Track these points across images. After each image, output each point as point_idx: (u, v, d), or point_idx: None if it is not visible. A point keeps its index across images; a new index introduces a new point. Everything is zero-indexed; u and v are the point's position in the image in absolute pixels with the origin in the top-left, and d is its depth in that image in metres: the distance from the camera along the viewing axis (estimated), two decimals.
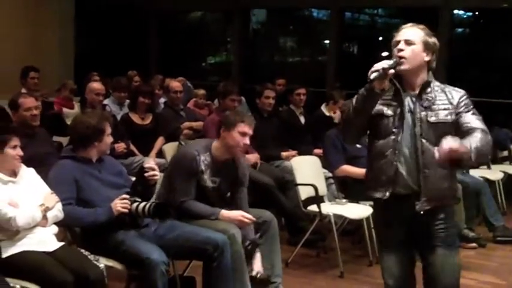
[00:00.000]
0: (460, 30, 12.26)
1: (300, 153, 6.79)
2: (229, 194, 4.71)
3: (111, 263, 3.98)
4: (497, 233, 6.61)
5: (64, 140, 5.80)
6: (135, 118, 6.86)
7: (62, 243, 3.97)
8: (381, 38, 12.88)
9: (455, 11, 11.19)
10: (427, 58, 3.38)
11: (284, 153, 6.93)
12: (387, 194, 3.41)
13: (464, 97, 3.39)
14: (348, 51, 12.77)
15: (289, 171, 6.19)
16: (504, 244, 6.51)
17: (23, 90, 7.17)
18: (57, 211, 3.92)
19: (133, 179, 4.36)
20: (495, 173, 7.68)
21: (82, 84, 7.37)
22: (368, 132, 3.52)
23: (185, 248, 4.18)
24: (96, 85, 6.85)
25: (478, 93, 9.37)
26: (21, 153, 3.92)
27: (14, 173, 3.93)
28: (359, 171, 5.52)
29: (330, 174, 6.13)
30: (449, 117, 3.35)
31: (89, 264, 3.75)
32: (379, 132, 3.43)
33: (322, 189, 5.90)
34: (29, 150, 4.32)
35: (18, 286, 3.62)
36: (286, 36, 13.77)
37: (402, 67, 3.32)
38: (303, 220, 6.13)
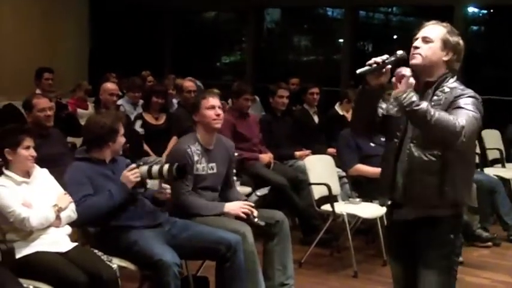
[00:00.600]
0: (475, 28, 12.17)
1: (314, 153, 6.76)
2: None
3: (124, 263, 3.99)
4: None
5: (78, 141, 5.83)
6: (149, 118, 6.87)
7: (75, 244, 3.97)
8: (395, 37, 12.84)
9: (470, 9, 11.11)
10: (445, 58, 3.14)
11: (298, 153, 6.92)
12: (388, 202, 3.29)
13: (464, 97, 3.05)
14: (362, 50, 12.68)
15: (302, 171, 6.17)
16: None
17: (38, 91, 7.21)
18: (70, 211, 3.94)
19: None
20: (509, 171, 7.60)
21: (97, 84, 7.39)
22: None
23: (198, 248, 4.19)
24: (110, 85, 6.87)
25: (493, 91, 9.32)
26: (34, 154, 3.94)
27: (27, 174, 3.95)
28: (373, 170, 5.53)
29: (344, 174, 6.13)
30: None
31: (102, 264, 3.75)
32: (389, 134, 3.31)
33: (336, 189, 5.88)
34: (43, 151, 4.33)
35: (31, 287, 3.63)
36: (300, 35, 13.72)
37: (414, 61, 3.10)
38: (317, 219, 6.13)
